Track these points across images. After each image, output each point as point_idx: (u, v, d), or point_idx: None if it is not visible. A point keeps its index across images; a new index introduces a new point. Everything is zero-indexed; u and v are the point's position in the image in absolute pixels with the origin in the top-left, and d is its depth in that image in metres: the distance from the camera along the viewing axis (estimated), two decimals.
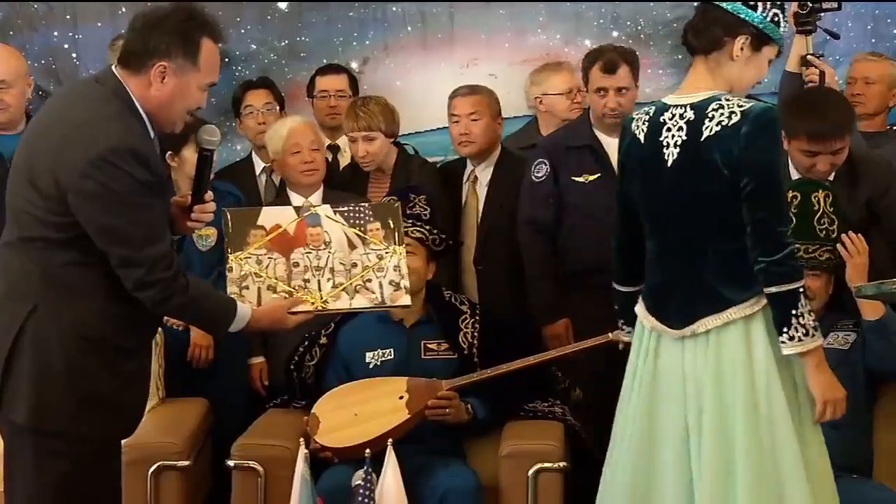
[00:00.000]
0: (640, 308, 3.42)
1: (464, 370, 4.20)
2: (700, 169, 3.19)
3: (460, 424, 4.17)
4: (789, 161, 4.28)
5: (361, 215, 3.62)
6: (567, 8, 6.01)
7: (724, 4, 3.25)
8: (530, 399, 4.30)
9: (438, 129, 5.27)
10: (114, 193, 2.95)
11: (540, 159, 4.83)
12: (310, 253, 3.51)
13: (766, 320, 3.20)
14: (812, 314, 3.15)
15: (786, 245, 3.13)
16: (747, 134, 3.13)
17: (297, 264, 3.49)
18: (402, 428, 4.03)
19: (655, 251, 3.37)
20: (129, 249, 2.99)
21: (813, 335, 3.15)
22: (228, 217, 3.53)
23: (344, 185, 5.12)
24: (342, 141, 5.41)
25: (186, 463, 4.19)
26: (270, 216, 3.58)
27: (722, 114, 3.17)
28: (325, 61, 5.80)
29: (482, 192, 4.98)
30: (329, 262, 3.52)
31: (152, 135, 3.12)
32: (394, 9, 6.09)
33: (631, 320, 3.52)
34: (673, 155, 3.25)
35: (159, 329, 3.91)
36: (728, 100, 3.20)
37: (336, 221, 3.59)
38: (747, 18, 3.23)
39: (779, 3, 3.28)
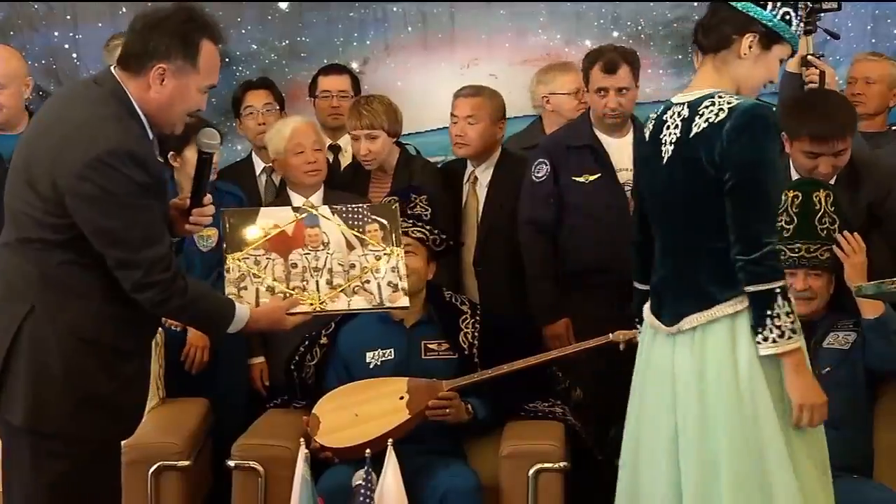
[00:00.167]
0: (646, 306, 3.41)
1: (464, 370, 4.20)
2: (689, 166, 3.18)
3: (461, 425, 4.17)
4: (791, 162, 4.29)
5: (360, 216, 3.62)
6: (567, 8, 6.01)
7: (733, 2, 3.21)
8: (531, 399, 4.30)
9: (439, 129, 5.28)
10: (111, 195, 2.95)
11: (540, 159, 4.83)
12: (308, 254, 3.51)
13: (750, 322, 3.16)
14: (792, 316, 3.08)
15: (764, 244, 3.08)
16: (730, 130, 3.10)
17: (295, 265, 3.48)
18: (403, 428, 4.03)
19: (658, 249, 3.37)
20: (126, 251, 2.98)
21: (790, 337, 3.08)
22: (227, 218, 3.53)
23: (345, 185, 5.13)
24: (343, 141, 5.42)
25: (187, 463, 4.19)
26: (269, 217, 3.58)
27: (711, 111, 3.15)
28: (325, 61, 5.80)
29: (482, 192, 4.98)
30: (327, 262, 3.51)
31: (151, 136, 3.11)
32: (394, 9, 6.10)
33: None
34: (668, 153, 3.24)
35: (160, 329, 3.91)
36: (721, 97, 3.17)
37: (334, 222, 3.59)
38: (756, 16, 3.20)
39: (791, 1, 3.23)
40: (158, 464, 4.15)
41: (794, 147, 4.22)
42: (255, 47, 6.10)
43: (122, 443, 3.23)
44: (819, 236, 3.99)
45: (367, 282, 3.52)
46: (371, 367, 4.24)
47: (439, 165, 5.24)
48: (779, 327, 3.07)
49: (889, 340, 3.91)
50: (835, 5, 4.78)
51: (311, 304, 3.44)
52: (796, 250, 3.97)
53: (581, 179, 4.78)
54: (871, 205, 4.30)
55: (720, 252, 3.14)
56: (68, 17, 6.10)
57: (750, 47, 3.21)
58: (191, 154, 4.47)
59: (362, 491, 3.83)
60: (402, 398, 4.09)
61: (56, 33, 6.10)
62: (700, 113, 3.17)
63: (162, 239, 3.06)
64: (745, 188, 3.10)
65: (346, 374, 4.26)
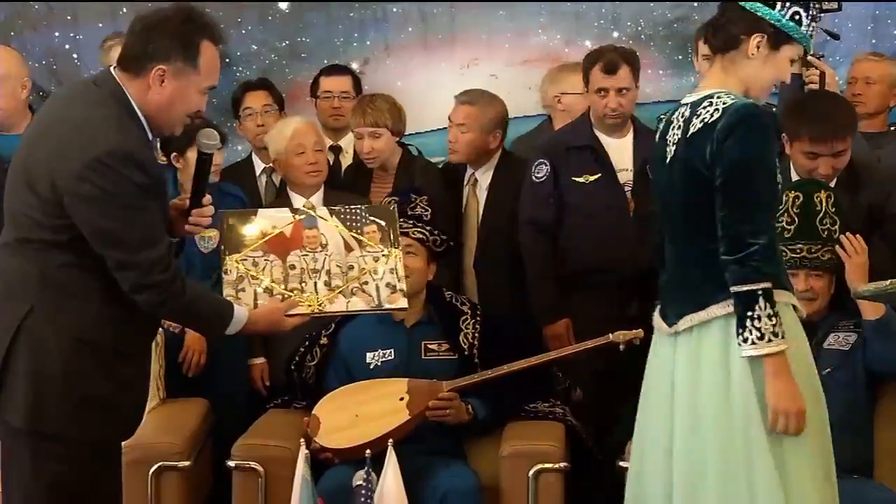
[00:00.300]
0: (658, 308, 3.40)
1: (464, 371, 4.20)
2: (686, 167, 3.17)
3: (461, 425, 4.17)
4: (791, 164, 4.29)
5: (358, 218, 3.62)
6: (567, 8, 6.01)
7: (741, 2, 3.19)
8: (531, 399, 4.30)
9: (439, 129, 5.27)
10: (110, 196, 2.94)
11: (540, 159, 4.83)
12: (306, 255, 3.51)
13: None
14: (774, 319, 3.04)
15: (749, 245, 3.05)
16: (721, 129, 3.09)
17: (293, 266, 3.48)
18: (403, 429, 4.03)
19: (666, 249, 3.36)
20: (125, 252, 2.98)
21: (770, 340, 3.04)
22: (225, 219, 3.52)
23: (346, 185, 5.13)
24: (344, 142, 5.42)
25: (187, 463, 4.19)
26: (267, 218, 3.57)
27: (707, 111, 3.14)
28: (325, 62, 5.80)
29: (482, 195, 4.97)
30: (326, 264, 3.51)
31: (150, 138, 3.11)
32: (394, 9, 6.10)
33: None
34: (671, 153, 3.23)
35: (160, 329, 3.90)
36: (719, 97, 3.15)
37: (332, 224, 3.58)
38: (764, 16, 3.17)
39: (801, 1, 3.19)
40: (159, 464, 4.15)
41: (794, 148, 4.23)
42: (256, 48, 6.10)
43: (123, 443, 3.23)
44: (820, 237, 3.99)
45: (366, 283, 3.52)
46: (371, 367, 4.25)
47: (440, 166, 5.25)
48: (758, 329, 3.04)
49: (890, 342, 3.91)
50: (835, 5, 4.77)
51: (310, 306, 3.44)
52: (797, 251, 3.97)
53: (581, 180, 4.78)
54: (872, 207, 4.30)
55: (712, 251, 3.13)
56: (69, 17, 6.10)
57: (758, 47, 3.18)
58: (193, 155, 4.46)
59: (362, 491, 3.83)
60: (402, 399, 4.09)
61: (56, 34, 6.10)
62: (698, 113, 3.16)
63: (161, 240, 3.05)
64: (732, 187, 3.08)
65: (347, 374, 4.26)
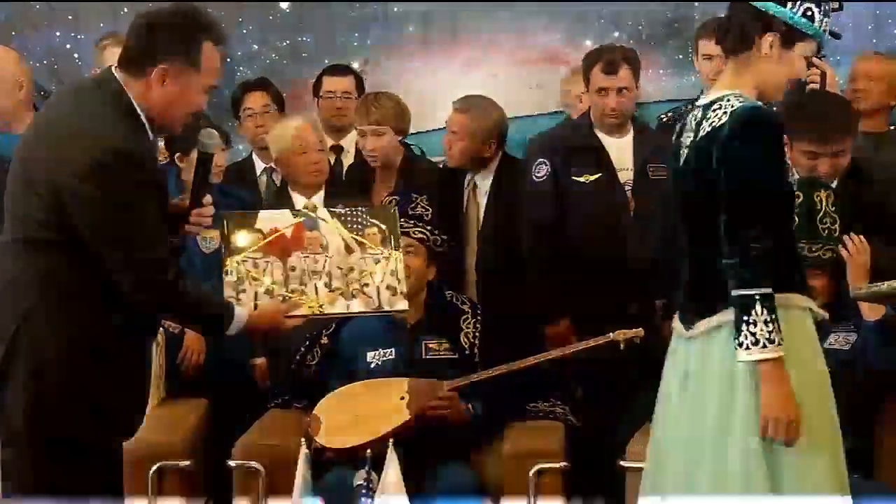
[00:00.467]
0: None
1: (465, 370, 4.20)
2: (696, 170, 3.15)
3: (461, 424, 4.17)
4: (792, 164, 4.29)
5: (359, 220, 3.61)
6: (568, 8, 6.02)
7: (752, 1, 3.14)
8: (531, 399, 4.31)
9: (439, 129, 5.28)
10: (111, 197, 2.94)
11: (540, 159, 4.83)
12: (307, 257, 3.51)
13: None
14: (771, 325, 2.99)
15: (748, 249, 3.01)
16: (727, 133, 3.06)
17: (294, 268, 3.48)
18: (404, 428, 4.03)
19: (682, 251, 3.35)
20: (125, 253, 2.97)
21: (765, 346, 2.99)
22: (226, 221, 3.53)
23: (348, 185, 5.13)
24: (346, 142, 5.42)
25: (187, 463, 4.20)
26: (268, 220, 3.57)
27: (716, 114, 3.11)
28: (326, 61, 5.80)
29: (482, 200, 4.97)
30: (326, 266, 3.51)
31: (151, 137, 3.11)
32: (395, 9, 6.10)
33: None
34: (684, 155, 3.21)
35: (160, 329, 3.91)
36: (728, 100, 3.13)
37: (333, 226, 3.58)
38: (776, 15, 3.13)
39: None
40: (159, 464, 4.16)
41: (795, 148, 4.22)
42: (256, 47, 6.11)
43: (123, 443, 3.23)
44: (820, 236, 3.98)
45: (366, 285, 3.52)
46: (372, 366, 4.25)
47: (440, 166, 5.25)
48: (753, 334, 3.00)
49: (890, 343, 3.90)
50: (836, 5, 4.77)
51: (310, 307, 3.43)
52: (798, 250, 3.97)
53: (581, 179, 4.78)
54: (872, 207, 4.29)
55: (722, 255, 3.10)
56: (70, 17, 6.12)
57: (771, 46, 3.14)
58: (196, 155, 4.46)
59: (363, 491, 3.83)
60: (402, 398, 4.09)
61: (58, 33, 6.11)
62: (708, 117, 3.13)
63: (161, 241, 3.05)
64: (734, 191, 3.05)
65: (347, 373, 4.26)
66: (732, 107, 3.09)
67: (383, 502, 3.82)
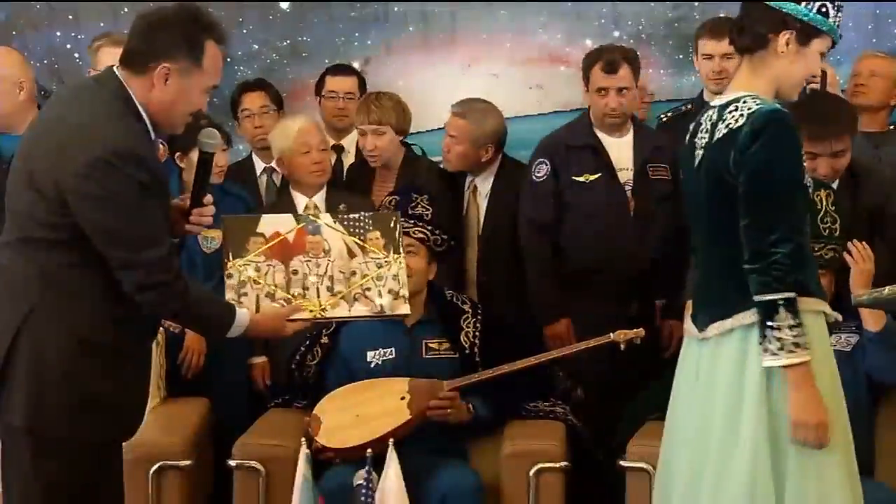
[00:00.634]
0: (688, 311, 3.35)
1: (465, 370, 4.20)
2: (712, 172, 3.13)
3: (462, 424, 4.17)
4: None
5: (361, 224, 3.61)
6: (568, 8, 6.01)
7: (766, 1, 3.13)
8: (531, 399, 4.31)
9: (439, 129, 5.28)
10: (114, 195, 2.94)
11: (540, 159, 4.83)
12: (309, 261, 3.50)
13: None
14: (796, 330, 2.99)
15: (771, 254, 3.00)
16: (745, 136, 3.04)
17: (296, 272, 3.47)
18: (404, 428, 4.03)
19: (696, 252, 3.34)
20: (128, 252, 2.98)
21: (791, 351, 2.99)
22: (227, 223, 3.53)
23: (348, 184, 5.13)
24: (347, 142, 5.42)
25: (188, 462, 4.20)
26: (270, 224, 3.57)
27: (733, 115, 3.09)
28: (326, 61, 5.81)
29: (483, 202, 4.97)
30: (328, 269, 3.50)
31: (153, 136, 3.12)
32: (395, 9, 6.10)
33: None
34: (698, 157, 3.18)
35: (161, 329, 3.91)
36: (745, 101, 3.10)
37: (336, 230, 3.58)
38: (791, 13, 3.11)
39: None
40: (160, 463, 4.16)
41: None
42: (257, 47, 6.10)
43: (123, 442, 3.24)
44: (821, 235, 3.98)
45: (368, 289, 3.52)
46: (372, 366, 4.25)
47: (440, 166, 5.25)
48: (779, 339, 2.99)
49: (892, 353, 3.89)
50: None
51: (312, 311, 3.43)
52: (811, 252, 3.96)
53: (581, 179, 4.78)
54: (872, 208, 4.29)
55: (737, 258, 3.08)
56: (70, 17, 6.11)
57: (787, 45, 3.13)
58: (196, 155, 4.46)
59: (363, 491, 3.83)
60: (403, 398, 4.09)
61: (58, 33, 6.11)
62: (724, 118, 3.11)
63: (163, 239, 3.05)
64: (754, 195, 3.04)
65: (347, 373, 4.26)
66: (750, 109, 3.07)
67: (384, 502, 3.82)
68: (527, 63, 5.94)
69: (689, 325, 3.28)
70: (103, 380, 3.04)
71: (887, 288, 3.44)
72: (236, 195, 4.79)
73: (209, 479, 4.49)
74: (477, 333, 4.28)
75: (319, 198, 4.85)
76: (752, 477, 3.05)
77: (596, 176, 4.78)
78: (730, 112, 3.11)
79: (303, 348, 4.35)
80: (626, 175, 4.79)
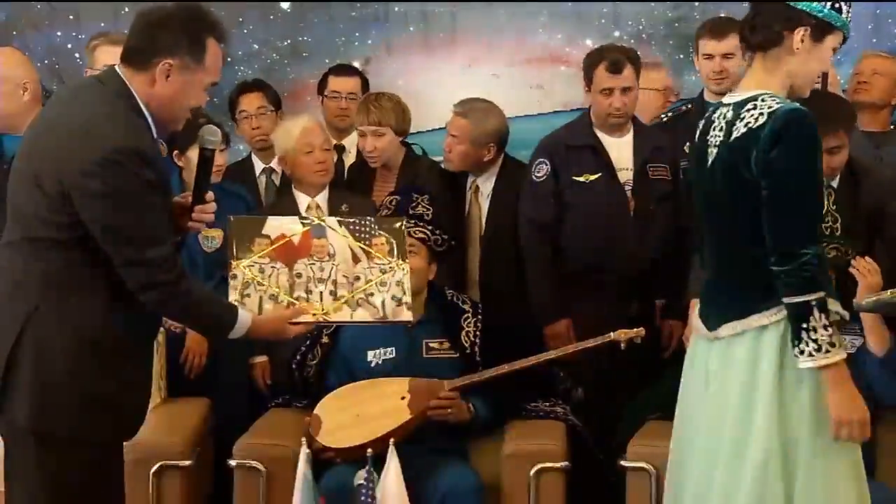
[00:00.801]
0: (696, 309, 3.33)
1: (465, 369, 4.20)
2: (729, 171, 3.11)
3: (462, 424, 4.18)
4: None
5: (367, 229, 3.60)
6: (568, 8, 6.02)
7: None
8: (532, 399, 4.31)
9: (439, 129, 5.28)
10: (120, 193, 2.95)
11: (540, 159, 4.83)
12: (313, 264, 3.50)
13: (781, 334, 3.08)
14: (830, 329, 2.99)
15: (800, 255, 2.99)
16: (767, 136, 3.02)
17: (300, 275, 3.47)
18: (404, 428, 4.03)
19: (706, 251, 3.32)
20: (133, 250, 2.98)
21: (828, 351, 2.99)
22: (233, 224, 3.52)
23: (349, 184, 5.13)
24: (348, 142, 5.42)
25: (188, 462, 4.20)
26: (276, 226, 3.56)
27: (752, 114, 3.06)
28: (327, 61, 5.81)
29: (485, 203, 4.97)
30: (332, 273, 3.50)
31: (155, 134, 3.12)
32: (396, 9, 6.11)
33: None
34: (712, 155, 3.16)
35: (161, 328, 3.91)
36: (763, 100, 3.08)
37: (341, 234, 3.58)
38: (805, 9, 3.10)
39: None
40: (160, 463, 4.16)
41: None
42: (257, 47, 6.11)
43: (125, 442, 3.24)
44: (823, 234, 3.98)
45: (371, 295, 3.51)
46: (372, 365, 4.25)
47: (441, 166, 5.25)
48: (815, 340, 2.98)
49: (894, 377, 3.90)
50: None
51: (314, 315, 3.43)
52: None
53: (581, 179, 4.78)
54: (872, 208, 4.29)
55: (756, 260, 3.07)
56: (71, 17, 6.12)
57: (802, 41, 3.11)
58: (194, 154, 4.46)
59: (364, 491, 3.83)
60: (403, 398, 4.09)
61: (59, 33, 6.12)
62: (742, 116, 3.09)
63: (167, 238, 3.06)
64: (781, 197, 3.02)
65: (348, 372, 4.26)
66: (770, 108, 3.05)
67: (384, 502, 3.82)
68: (527, 63, 5.95)
69: (697, 323, 3.27)
70: (107, 379, 3.04)
71: (889, 291, 3.43)
72: (236, 194, 4.78)
73: (209, 479, 4.49)
74: (477, 333, 4.28)
75: (322, 197, 4.85)
76: (764, 478, 3.06)
77: (596, 176, 4.77)
78: (748, 110, 3.09)
79: (303, 348, 4.35)
80: (626, 175, 4.79)
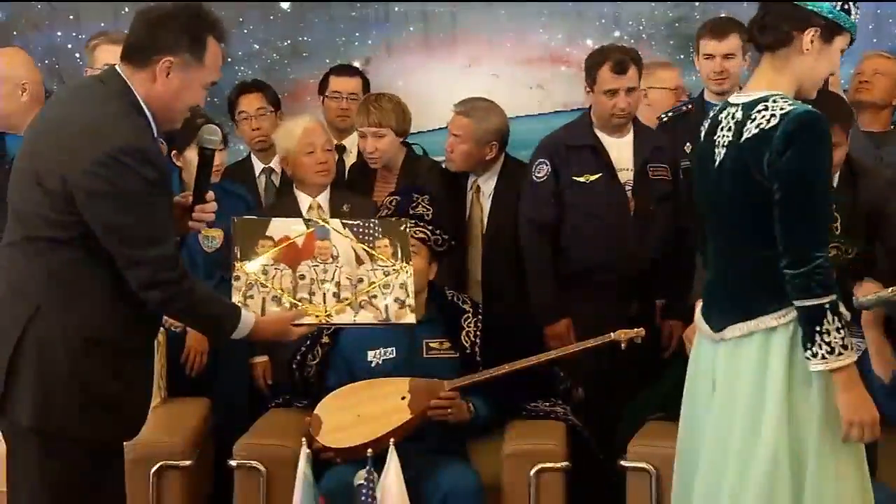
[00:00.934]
0: (698, 309, 3.33)
1: (466, 369, 4.20)
2: (738, 172, 3.09)
3: (462, 424, 4.18)
4: None
5: (370, 231, 3.60)
6: (569, 8, 6.02)
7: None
8: (532, 399, 4.31)
9: (440, 129, 5.29)
10: (122, 192, 2.95)
11: (541, 159, 4.83)
12: (317, 266, 3.50)
13: (790, 335, 3.07)
14: (842, 332, 2.99)
15: (813, 258, 2.97)
16: (780, 138, 3.00)
17: (303, 276, 3.47)
18: (405, 428, 4.03)
19: (709, 251, 3.31)
20: (135, 249, 2.99)
21: (840, 353, 2.99)
22: (237, 225, 3.52)
23: (350, 184, 5.13)
24: (348, 142, 5.42)
25: (188, 462, 4.20)
26: (279, 227, 3.56)
27: (763, 116, 3.05)
28: (327, 61, 5.82)
29: (486, 203, 4.97)
30: (335, 275, 3.50)
31: (156, 133, 3.12)
32: (396, 9, 6.11)
33: None
34: (720, 155, 3.14)
35: (161, 328, 3.91)
36: (775, 101, 3.07)
37: (345, 236, 3.57)
38: (815, 10, 3.09)
39: None
40: (160, 463, 4.16)
41: None
42: (257, 47, 6.12)
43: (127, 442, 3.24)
44: None
45: (374, 297, 3.51)
46: (373, 365, 4.25)
47: (442, 166, 5.25)
48: (828, 343, 2.98)
49: None
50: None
51: (317, 316, 3.43)
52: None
53: (581, 179, 4.78)
54: (871, 212, 4.29)
55: (765, 261, 3.06)
56: (71, 16, 6.12)
57: (812, 42, 3.11)
58: (192, 154, 4.47)
59: (364, 491, 3.83)
60: (403, 398, 4.09)
61: (59, 33, 6.12)
62: (752, 117, 3.07)
63: (169, 237, 3.06)
64: (794, 200, 3.00)
65: (348, 372, 4.26)
66: (782, 109, 3.04)
67: (384, 502, 3.82)
68: (527, 63, 5.95)
69: (702, 324, 3.26)
70: (109, 379, 3.04)
71: (889, 289, 3.43)
72: (236, 194, 4.79)
73: (209, 479, 4.49)
74: (478, 333, 4.28)
75: (323, 198, 4.85)
76: (772, 479, 3.05)
77: (596, 176, 4.77)
78: (758, 111, 3.07)
79: (304, 348, 4.35)
80: (626, 175, 4.79)
